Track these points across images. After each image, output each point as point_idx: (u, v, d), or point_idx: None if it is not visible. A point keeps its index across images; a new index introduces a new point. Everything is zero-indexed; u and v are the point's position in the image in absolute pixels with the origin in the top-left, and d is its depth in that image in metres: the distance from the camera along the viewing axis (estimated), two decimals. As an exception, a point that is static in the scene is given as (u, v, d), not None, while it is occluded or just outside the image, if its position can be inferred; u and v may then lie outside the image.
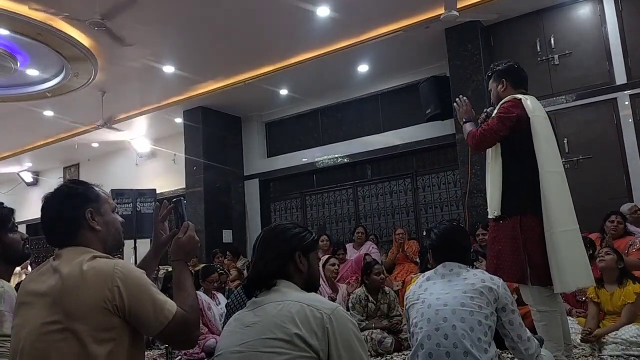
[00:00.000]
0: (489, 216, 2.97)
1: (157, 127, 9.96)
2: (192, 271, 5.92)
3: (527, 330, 2.37)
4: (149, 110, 9.05)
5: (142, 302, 1.42)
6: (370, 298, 4.45)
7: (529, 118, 2.89)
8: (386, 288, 4.61)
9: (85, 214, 1.56)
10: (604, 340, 3.55)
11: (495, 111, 3.03)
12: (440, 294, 2.29)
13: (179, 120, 9.43)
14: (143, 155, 10.83)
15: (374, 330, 4.21)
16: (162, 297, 1.47)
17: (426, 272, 2.51)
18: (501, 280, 2.33)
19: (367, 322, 4.32)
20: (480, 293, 2.23)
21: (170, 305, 1.46)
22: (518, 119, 2.88)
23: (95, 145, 10.88)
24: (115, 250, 1.69)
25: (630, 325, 3.57)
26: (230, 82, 8.09)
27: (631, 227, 5.06)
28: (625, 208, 5.34)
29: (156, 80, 7.82)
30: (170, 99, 8.71)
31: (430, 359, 2.18)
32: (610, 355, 3.41)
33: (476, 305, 2.20)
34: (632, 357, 3.33)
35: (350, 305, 4.43)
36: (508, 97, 3.02)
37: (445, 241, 2.46)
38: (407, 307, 2.48)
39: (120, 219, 1.70)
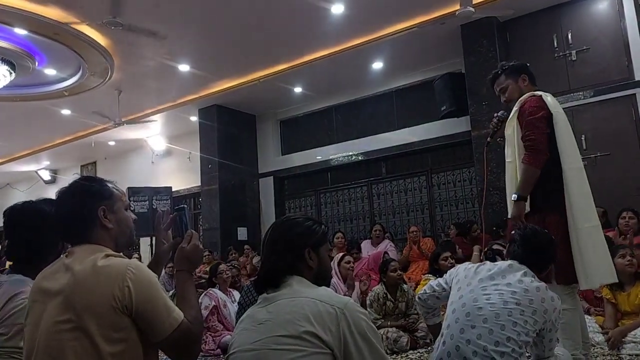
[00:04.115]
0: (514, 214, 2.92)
1: (172, 125, 10.03)
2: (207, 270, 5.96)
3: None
4: (165, 109, 9.11)
5: (151, 303, 1.41)
6: (389, 296, 4.43)
7: (551, 114, 2.86)
8: (404, 286, 4.58)
9: (98, 212, 1.55)
10: (623, 339, 3.51)
11: (517, 114, 2.95)
12: (493, 291, 2.28)
13: (194, 118, 9.48)
14: (159, 154, 10.92)
15: (390, 329, 4.19)
16: (171, 303, 1.46)
17: (487, 263, 2.49)
18: (558, 302, 2.30)
19: (383, 321, 4.30)
20: (534, 312, 2.21)
21: (178, 313, 1.45)
22: (546, 117, 2.84)
23: (112, 143, 10.99)
24: (127, 248, 1.67)
25: (650, 325, 3.52)
26: (245, 80, 8.11)
27: (649, 224, 4.99)
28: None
29: (172, 79, 7.87)
30: (186, 97, 8.77)
31: (457, 351, 2.18)
32: (629, 355, 3.37)
33: (522, 320, 2.18)
34: (652, 357, 3.28)
35: (368, 302, 4.41)
36: (527, 94, 2.98)
37: (529, 246, 2.43)
38: (452, 277, 2.51)
39: (133, 216, 1.68)
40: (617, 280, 3.06)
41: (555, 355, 2.43)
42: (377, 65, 7.80)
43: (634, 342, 3.44)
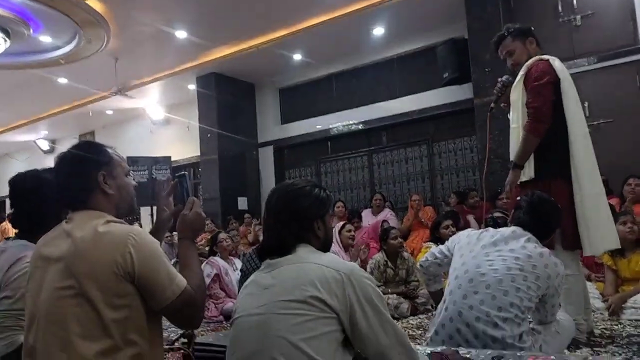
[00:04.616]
0: (521, 179, 2.90)
1: (170, 94, 9.92)
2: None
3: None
4: (162, 77, 9.00)
5: (154, 271, 1.40)
6: (389, 264, 4.47)
7: (558, 80, 2.80)
8: (405, 254, 4.62)
9: (98, 177, 1.53)
10: (623, 305, 3.53)
11: (524, 78, 2.89)
12: (495, 257, 2.27)
13: (192, 86, 9.38)
14: (157, 123, 10.83)
15: (391, 296, 4.23)
16: (174, 270, 1.44)
17: (490, 229, 2.49)
18: (562, 267, 2.30)
19: (384, 288, 4.34)
20: (537, 278, 2.21)
21: (180, 279, 1.43)
22: (553, 82, 2.79)
23: (109, 112, 10.90)
24: (128, 215, 1.65)
25: (650, 290, 3.54)
26: (243, 47, 7.98)
27: (652, 192, 4.98)
28: (647, 172, 5.23)
29: (169, 46, 7.75)
30: (183, 65, 8.65)
31: (459, 317, 2.19)
32: (629, 319, 3.39)
33: (525, 286, 2.18)
34: (652, 322, 3.30)
35: (368, 270, 4.44)
36: (534, 58, 2.92)
37: (535, 212, 2.42)
38: (454, 244, 2.52)
39: (133, 182, 1.65)
40: (620, 247, 3.07)
41: (557, 320, 2.44)
42: (379, 31, 7.66)
43: (634, 308, 3.46)
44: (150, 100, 10.36)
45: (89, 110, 10.48)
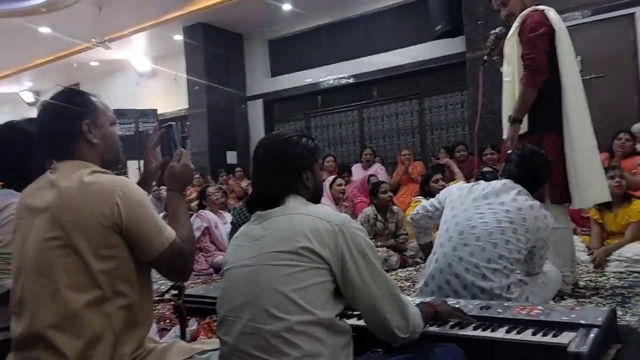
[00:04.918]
0: None
1: (156, 45, 9.66)
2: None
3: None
4: (148, 27, 8.74)
5: (142, 222, 1.37)
6: (379, 217, 4.51)
7: (554, 31, 2.75)
8: (394, 207, 4.66)
9: (82, 125, 1.48)
10: (608, 257, 3.60)
11: (518, 29, 2.83)
12: (486, 210, 2.29)
13: (178, 37, 9.13)
14: (143, 75, 10.60)
15: (380, 249, 4.29)
16: (162, 222, 1.42)
17: (482, 182, 2.50)
18: (551, 220, 2.32)
19: (374, 241, 4.38)
20: (526, 230, 2.23)
21: (170, 231, 1.41)
22: (548, 33, 2.73)
23: (94, 64, 10.63)
24: (114, 166, 1.60)
25: (634, 243, 3.61)
26: (231, -4, 7.74)
27: (640, 148, 5.01)
28: (636, 127, 5.24)
29: (154, -6, 7.50)
30: (169, 14, 8.38)
31: (449, 268, 2.22)
32: (613, 272, 3.46)
33: (514, 238, 2.21)
34: (635, 274, 3.37)
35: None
36: (529, 9, 2.85)
37: (526, 165, 2.43)
38: (445, 197, 2.55)
39: (119, 132, 1.61)
40: (610, 199, 3.10)
41: (544, 272, 2.48)
42: (370, -19, 7.44)
43: (619, 260, 3.54)
44: (136, 52, 10.10)
45: (73, 62, 10.22)
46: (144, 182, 1.81)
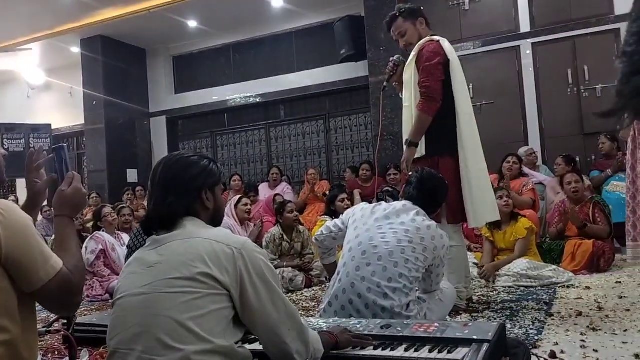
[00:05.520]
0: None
1: (51, 57, 9.08)
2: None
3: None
4: (41, 37, 8.21)
5: (24, 251, 1.26)
6: (285, 237, 4.48)
7: (448, 60, 2.91)
8: (300, 227, 4.66)
9: None
10: (498, 273, 3.83)
11: (416, 58, 2.97)
12: (387, 230, 2.35)
13: (76, 49, 8.65)
14: (35, 87, 9.92)
15: (286, 269, 4.27)
16: (48, 250, 1.32)
17: (383, 203, 2.57)
18: (447, 239, 2.43)
19: (279, 261, 4.36)
20: (424, 249, 2.31)
21: (56, 260, 1.31)
22: (443, 63, 2.89)
23: (-22, 74, 9.79)
24: None
25: (521, 259, 3.87)
26: (133, 10, 7.49)
27: (526, 169, 5.45)
28: (522, 151, 5.70)
29: (48, 3, 7.06)
30: (66, 25, 7.94)
31: (352, 288, 2.24)
32: (503, 286, 3.69)
33: (413, 257, 2.28)
34: (522, 288, 3.62)
35: (264, 244, 4.43)
36: (425, 39, 3.01)
37: (424, 188, 2.52)
38: (348, 217, 2.59)
39: (2, 151, 1.48)
40: (500, 219, 3.32)
41: (441, 289, 2.59)
42: (277, 2, 7.51)
43: (507, 275, 3.77)
44: (28, 63, 9.40)
45: (-46, 70, 9.34)
46: (30, 205, 1.67)
